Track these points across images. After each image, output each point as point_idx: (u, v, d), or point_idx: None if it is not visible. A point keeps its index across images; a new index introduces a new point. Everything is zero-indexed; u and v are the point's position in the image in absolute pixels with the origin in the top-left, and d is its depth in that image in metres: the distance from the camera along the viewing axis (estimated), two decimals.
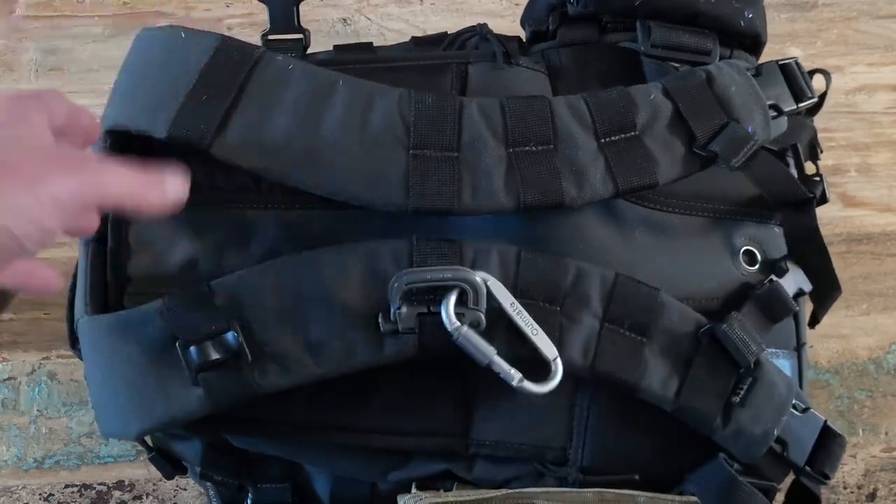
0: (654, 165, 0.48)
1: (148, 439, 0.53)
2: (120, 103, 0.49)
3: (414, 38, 0.61)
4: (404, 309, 0.45)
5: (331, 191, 0.47)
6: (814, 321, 0.56)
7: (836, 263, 0.54)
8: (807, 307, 0.56)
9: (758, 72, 0.53)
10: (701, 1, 0.54)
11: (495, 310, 0.46)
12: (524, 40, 0.60)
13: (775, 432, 0.50)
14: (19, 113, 0.38)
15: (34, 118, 0.38)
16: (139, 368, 0.46)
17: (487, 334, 0.45)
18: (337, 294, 0.46)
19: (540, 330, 0.46)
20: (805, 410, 0.52)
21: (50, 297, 0.70)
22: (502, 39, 0.56)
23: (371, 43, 0.60)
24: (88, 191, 0.37)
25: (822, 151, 0.58)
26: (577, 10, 0.56)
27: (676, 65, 0.53)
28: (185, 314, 0.46)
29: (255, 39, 0.54)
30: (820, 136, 0.58)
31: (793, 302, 0.53)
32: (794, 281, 0.54)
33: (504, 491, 0.51)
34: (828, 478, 0.52)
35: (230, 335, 0.45)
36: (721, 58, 0.54)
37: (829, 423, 0.53)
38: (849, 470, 0.75)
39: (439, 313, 0.45)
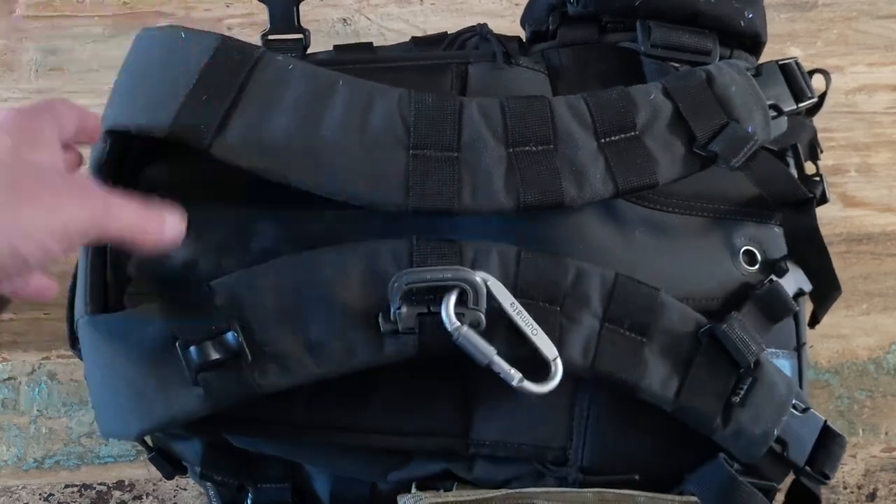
0: (654, 165, 0.48)
1: (148, 439, 0.53)
2: (120, 103, 0.49)
3: (414, 38, 0.61)
4: (404, 309, 0.45)
5: (331, 191, 0.47)
6: (814, 321, 0.56)
7: (836, 263, 0.54)
8: (807, 307, 0.56)
9: (758, 72, 0.53)
10: (701, 1, 0.54)
11: (495, 310, 0.46)
12: (524, 40, 0.60)
13: (775, 432, 0.50)
14: (31, 129, 0.39)
15: (46, 134, 0.39)
16: (139, 368, 0.46)
17: (487, 334, 0.45)
18: (337, 294, 0.46)
19: (540, 330, 0.46)
20: (805, 410, 0.52)
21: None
22: (502, 39, 0.56)
23: (371, 43, 0.60)
24: (96, 223, 0.38)
25: (822, 151, 0.58)
26: (577, 10, 0.56)
27: (676, 65, 0.53)
28: (185, 314, 0.46)
29: (255, 39, 0.54)
30: (820, 136, 0.58)
31: (793, 302, 0.53)
32: (794, 281, 0.54)
33: (504, 491, 0.51)
34: (828, 478, 0.52)
35: (230, 335, 0.45)
36: (721, 58, 0.54)
37: (829, 423, 0.53)
38: (849, 470, 0.75)
39: (439, 313, 0.45)
